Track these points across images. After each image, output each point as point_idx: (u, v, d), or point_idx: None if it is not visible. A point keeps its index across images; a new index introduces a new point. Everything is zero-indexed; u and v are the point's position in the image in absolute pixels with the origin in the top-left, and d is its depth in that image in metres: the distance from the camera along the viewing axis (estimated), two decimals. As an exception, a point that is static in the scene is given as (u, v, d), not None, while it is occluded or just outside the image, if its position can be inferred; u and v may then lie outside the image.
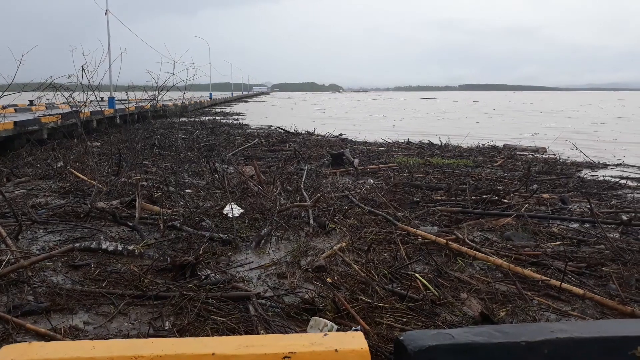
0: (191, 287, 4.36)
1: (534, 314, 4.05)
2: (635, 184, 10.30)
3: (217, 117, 31.86)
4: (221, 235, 5.83)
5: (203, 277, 4.64)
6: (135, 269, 4.82)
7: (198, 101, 46.95)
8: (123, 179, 8.72)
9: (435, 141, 16.57)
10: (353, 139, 18.14)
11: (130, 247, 5.40)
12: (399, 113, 44.25)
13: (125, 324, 3.90)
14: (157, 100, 12.12)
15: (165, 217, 6.38)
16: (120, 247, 5.39)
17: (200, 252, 5.21)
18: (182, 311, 3.97)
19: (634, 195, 9.02)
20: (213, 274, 4.75)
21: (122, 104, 23.52)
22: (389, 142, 16.74)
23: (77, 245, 5.45)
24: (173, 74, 10.93)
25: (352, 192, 8.36)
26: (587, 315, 4.11)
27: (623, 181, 10.25)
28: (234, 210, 6.62)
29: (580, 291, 4.43)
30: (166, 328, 3.76)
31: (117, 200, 7.35)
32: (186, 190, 8.16)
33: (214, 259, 5.22)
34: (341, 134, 19.45)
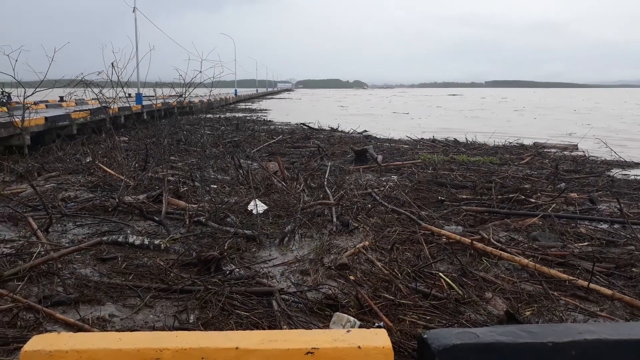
0: (216, 282, 4.41)
1: (561, 314, 3.98)
2: (667, 183, 10.00)
3: (242, 114, 32.09)
4: (245, 232, 5.87)
5: (227, 272, 4.68)
6: (161, 263, 4.89)
7: (223, 98, 47.30)
8: (150, 174, 8.86)
9: (461, 139, 16.39)
10: (377, 136, 18.06)
11: (157, 242, 5.48)
12: (425, 110, 43.84)
13: (151, 316, 3.97)
14: (185, 97, 12.27)
15: (191, 213, 6.46)
16: (146, 241, 5.48)
17: (225, 247, 5.26)
18: (207, 305, 4.02)
19: (666, 196, 8.76)
20: (237, 269, 4.80)
21: (150, 100, 23.89)
22: (414, 140, 16.61)
23: (104, 238, 5.57)
24: (200, 72, 11.06)
25: (376, 189, 8.32)
26: (616, 316, 4.02)
27: (655, 181, 9.97)
28: (258, 206, 6.66)
29: (609, 292, 4.34)
30: (191, 321, 3.81)
31: (144, 195, 7.47)
32: (211, 186, 8.25)
33: (238, 255, 5.27)
34: (365, 131, 19.38)
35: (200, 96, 32.05)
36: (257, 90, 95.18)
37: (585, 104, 59.62)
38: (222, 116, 27.80)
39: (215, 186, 8.33)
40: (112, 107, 13.32)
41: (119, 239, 5.54)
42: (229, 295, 4.11)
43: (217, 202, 7.00)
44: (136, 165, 9.85)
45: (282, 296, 4.16)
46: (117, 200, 6.95)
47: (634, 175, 10.88)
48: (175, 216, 6.64)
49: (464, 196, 8.13)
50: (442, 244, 5.59)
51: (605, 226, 6.60)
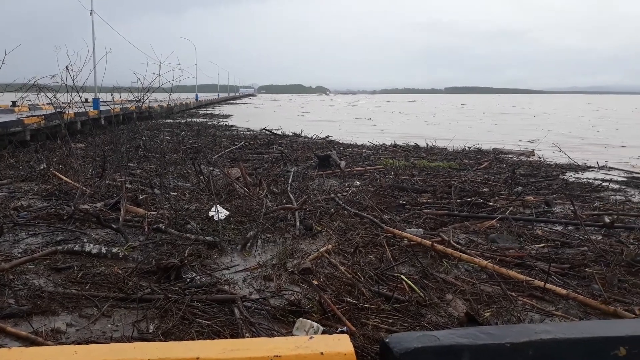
0: (176, 290, 4.32)
1: (519, 315, 4.08)
2: (617, 186, 10.44)
3: (203, 119, 31.70)
4: (207, 238, 5.79)
5: (188, 279, 4.60)
6: (120, 272, 4.76)
7: (184, 103, 46.67)
8: (107, 181, 8.63)
9: (422, 144, 16.66)
10: (340, 142, 18.16)
11: (115, 250, 5.34)
12: (387, 116, 44.37)
13: (109, 326, 3.85)
14: (143, 102, 12.02)
15: (150, 220, 6.32)
16: (104, 250, 5.33)
17: (185, 254, 5.18)
18: (167, 314, 3.94)
19: (616, 198, 9.14)
20: (198, 277, 4.72)
21: (107, 105, 23.29)
22: (376, 145, 16.78)
23: (59, 247, 5.38)
24: (159, 75, 10.85)
25: (339, 194, 8.36)
26: (570, 315, 4.15)
27: (606, 183, 10.38)
28: (219, 212, 6.58)
29: (564, 291, 4.48)
30: (150, 331, 3.72)
31: (101, 203, 7.28)
32: (171, 193, 8.10)
33: (199, 262, 5.18)
34: (328, 136, 19.46)
35: (160, 101, 31.52)
36: (218, 95, 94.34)
37: (542, 109, 61.66)
38: (183, 121, 27.40)
39: (175, 193, 8.19)
40: (67, 112, 12.91)
41: (75, 248, 5.37)
42: (189, 304, 4.03)
43: (177, 209, 6.88)
44: (93, 172, 9.58)
45: (245, 303, 4.11)
46: (72, 208, 6.73)
47: (587, 178, 11.31)
48: (134, 224, 6.48)
49: (425, 200, 8.26)
50: (404, 247, 5.65)
51: (560, 228, 6.81)
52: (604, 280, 4.75)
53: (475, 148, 16.25)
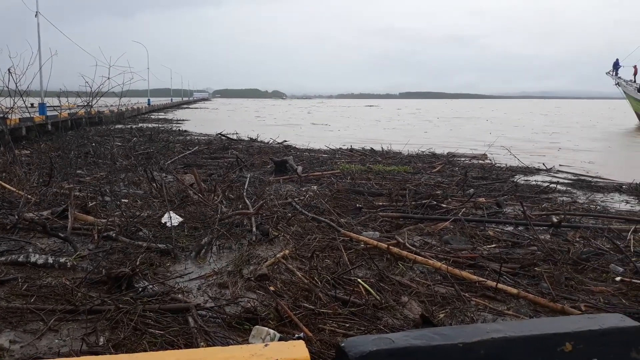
0: (127, 300, 4.19)
1: (472, 315, 4.16)
2: (564, 188, 10.87)
3: (155, 124, 31.03)
4: (159, 245, 5.64)
5: (140, 289, 4.47)
6: (67, 283, 4.58)
7: (135, 107, 45.60)
8: (55, 189, 8.30)
9: (377, 148, 16.85)
10: (297, 146, 18.15)
11: (62, 260, 5.13)
12: (344, 121, 44.71)
13: (56, 341, 3.69)
14: (91, 106, 11.65)
15: (99, 228, 6.12)
16: (50, 260, 5.11)
17: (137, 263, 5.03)
18: (118, 325, 3.81)
19: (563, 199, 9.51)
20: (151, 286, 4.59)
21: (55, 110, 22.45)
22: (333, 149, 16.86)
23: (2, 259, 5.13)
24: (108, 78, 10.55)
25: (296, 199, 8.34)
26: (521, 313, 4.27)
27: (553, 185, 10.78)
28: (172, 219, 6.43)
29: (515, 291, 4.61)
30: (100, 343, 3.58)
31: (48, 211, 6.98)
32: (122, 200, 7.86)
33: (151, 270, 5.04)
34: (285, 141, 19.42)
35: (110, 105, 30.66)
36: (172, 99, 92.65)
37: (494, 114, 63.58)
38: (135, 127, 26.74)
39: (126, 200, 7.96)
40: (10, 117, 12.35)
41: (19, 259, 5.13)
42: (141, 314, 3.91)
43: (129, 216, 6.68)
44: (39, 180, 9.19)
45: (199, 312, 4.03)
46: (16, 217, 6.43)
47: (536, 180, 11.72)
48: (83, 232, 6.26)
49: (381, 203, 8.35)
50: (360, 250, 5.68)
51: (510, 228, 7.02)
52: (552, 279, 4.91)
53: (429, 152, 16.57)
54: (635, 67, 44.09)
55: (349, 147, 17.17)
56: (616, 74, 45.17)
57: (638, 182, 11.15)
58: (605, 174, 13.23)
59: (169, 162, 12.58)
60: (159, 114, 52.04)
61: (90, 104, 11.19)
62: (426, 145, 18.24)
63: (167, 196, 7.68)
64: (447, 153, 16.69)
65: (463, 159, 15.37)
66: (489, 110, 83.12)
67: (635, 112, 44.20)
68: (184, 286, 4.71)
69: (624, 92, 45.05)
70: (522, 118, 53.23)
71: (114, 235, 6.01)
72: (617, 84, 45.29)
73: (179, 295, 4.44)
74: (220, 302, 4.30)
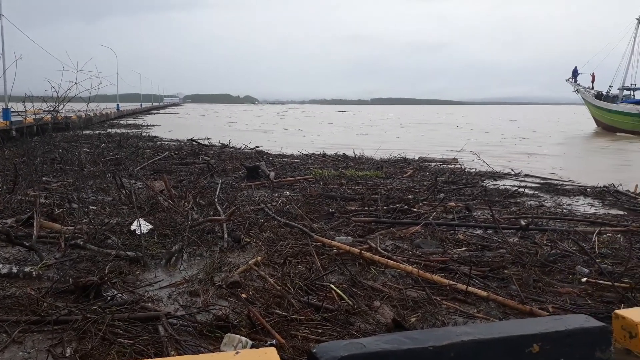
0: (95, 310, 4.10)
1: (443, 318, 4.21)
2: (532, 192, 11.11)
3: (125, 130, 30.54)
4: (128, 253, 5.54)
5: (109, 298, 4.37)
6: (33, 292, 4.45)
7: (104, 113, 44.82)
8: (19, 197, 8.07)
9: (350, 154, 16.94)
10: (269, 152, 18.10)
11: (27, 269, 4.98)
12: (316, 126, 44.82)
13: (20, 353, 3.58)
14: (58, 112, 11.39)
15: (66, 235, 5.97)
16: (15, 269, 4.96)
17: (106, 271, 4.92)
18: (86, 335, 3.72)
19: (530, 202, 9.72)
20: (120, 295, 4.50)
21: (20, 115, 21.87)
22: (305, 155, 16.88)
23: (-37, 269, 4.94)
24: (75, 83, 10.32)
25: (268, 204, 8.30)
26: (491, 316, 4.34)
27: (521, 189, 11.02)
28: (142, 226, 6.32)
29: (485, 293, 4.68)
30: (67, 355, 3.50)
31: (12, 219, 6.78)
32: (90, 207, 7.70)
33: (120, 279, 4.94)
34: (257, 147, 19.34)
35: (78, 111, 30.04)
36: (141, 104, 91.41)
37: (465, 120, 64.75)
38: (103, 132, 26.25)
39: (94, 207, 7.79)
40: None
41: (-19, 269, 4.95)
42: (110, 323, 3.83)
43: (97, 224, 6.55)
44: (3, 187, 8.92)
45: (170, 320, 3.96)
46: (-22, 226, 6.22)
47: (504, 184, 11.95)
48: (50, 240, 6.10)
49: (353, 208, 8.39)
50: (333, 255, 5.69)
51: (480, 232, 7.14)
52: (520, 281, 5.01)
53: (401, 157, 16.74)
54: (592, 74, 46.28)
55: (322, 153, 17.21)
56: (575, 81, 47.19)
57: (602, 186, 11.48)
58: (572, 178, 13.61)
59: (138, 168, 12.37)
60: (128, 119, 51.28)
61: (56, 109, 10.93)
62: (398, 150, 18.42)
63: (137, 203, 7.55)
64: (419, 158, 16.88)
65: (434, 164, 15.57)
66: (459, 115, 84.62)
67: (593, 117, 46.27)
68: (154, 294, 4.63)
69: (583, 98, 47.14)
70: (491, 124, 54.40)
71: (81, 243, 5.87)
72: (576, 90, 47.37)
73: (149, 304, 4.36)
74: (191, 310, 4.24)
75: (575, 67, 47.28)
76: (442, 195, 9.63)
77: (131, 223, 6.60)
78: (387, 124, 51.15)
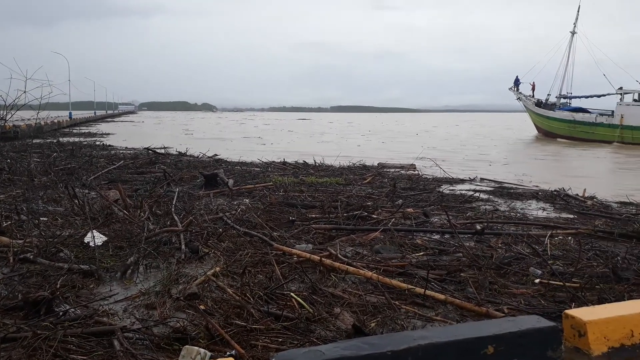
0: (46, 326, 3.95)
1: (402, 322, 4.25)
2: (487, 196, 11.41)
3: (78, 138, 29.65)
4: (82, 267, 5.37)
5: (61, 313, 4.21)
6: (-23, 311, 4.23)
7: (56, 121, 43.42)
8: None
9: (310, 161, 16.97)
10: (228, 160, 17.94)
11: (-29, 286, 4.74)
12: (277, 134, 44.72)
13: (-37, 375, 3.40)
14: (6, 121, 10.94)
15: (15, 249, 5.72)
16: (-43, 287, 4.71)
17: (58, 285, 4.75)
18: (36, 353, 3.58)
19: (485, 207, 9.97)
20: (72, 309, 4.34)
21: (-37, 124, 20.87)
22: (265, 163, 16.81)
23: None
24: (24, 92, 9.92)
25: (227, 213, 8.20)
26: (449, 318, 4.41)
27: (477, 194, 11.30)
28: (96, 238, 6.13)
29: (442, 297, 4.76)
30: (15, 374, 3.34)
31: (-45, 233, 6.45)
32: (41, 219, 7.41)
33: (73, 293, 4.78)
34: (215, 155, 19.13)
35: (28, 119, 29.00)
36: (95, 112, 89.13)
37: (423, 127, 66.07)
38: (55, 141, 25.40)
39: (45, 219, 7.51)
40: None
41: None
42: (62, 339, 3.69)
43: (48, 236, 6.31)
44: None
45: (126, 334, 3.86)
46: None
47: (460, 190, 12.23)
48: (-4, 255, 5.83)
49: (314, 215, 8.39)
50: (293, 263, 5.66)
51: (437, 236, 7.27)
52: (477, 284, 5.12)
53: (360, 164, 16.90)
54: (533, 83, 49.29)
55: (282, 161, 17.18)
56: (517, 89, 49.87)
57: (552, 190, 11.91)
58: (523, 182, 14.07)
59: (92, 177, 12.02)
60: (82, 127, 49.87)
61: (4, 117, 10.50)
62: (358, 158, 18.57)
63: (90, 214, 7.33)
64: (378, 164, 17.08)
65: (392, 170, 15.78)
66: (418, 123, 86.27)
67: (534, 124, 49.07)
68: (109, 308, 4.50)
69: (525, 106, 50.00)
70: (450, 131, 55.77)
71: (31, 257, 5.65)
72: (519, 98, 50.21)
73: (104, 318, 4.23)
74: (148, 323, 4.14)
75: (517, 77, 49.86)
76: (400, 201, 9.76)
77: (84, 235, 6.40)
78: (348, 132, 51.60)
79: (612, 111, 41.95)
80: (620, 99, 42.16)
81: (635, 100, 41.50)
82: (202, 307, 4.30)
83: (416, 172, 15.60)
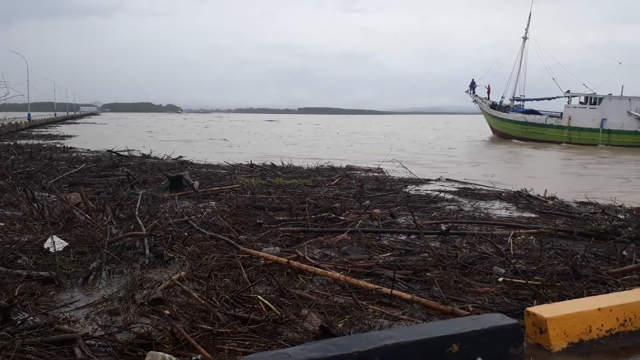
0: (4, 335, 3.80)
1: (369, 322, 4.28)
2: (451, 196, 11.60)
3: (37, 141, 28.77)
4: (41, 273, 5.20)
5: (19, 322, 4.06)
6: None
7: (13, 123, 42.04)
8: None
9: (278, 163, 16.91)
10: (193, 162, 17.71)
11: None
12: (244, 136, 44.39)
13: None
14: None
15: (-31, 257, 5.49)
16: None
17: (15, 293, 4.58)
18: (-8, 364, 3.43)
19: (450, 207, 10.14)
20: (31, 318, 4.20)
21: None
22: (232, 165, 16.66)
23: None
24: (-22, 93, 9.56)
25: (193, 217, 8.08)
26: (415, 317, 4.46)
27: (442, 195, 11.47)
28: (56, 243, 5.95)
29: (409, 296, 4.81)
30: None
31: None
32: (-3, 224, 7.15)
33: (32, 301, 4.62)
34: (180, 157, 18.86)
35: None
36: (55, 114, 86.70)
37: (391, 129, 66.79)
38: (12, 143, 24.56)
39: (2, 224, 7.24)
40: None
41: None
42: (20, 349, 3.58)
43: (5, 242, 6.09)
44: None
45: (88, 341, 3.76)
46: None
47: (425, 190, 12.40)
48: (-51, 262, 5.58)
49: (281, 218, 8.36)
50: (260, 266, 5.63)
51: (404, 237, 7.34)
52: (442, 283, 5.20)
53: (328, 165, 16.94)
54: (488, 86, 51.55)
55: (249, 163, 17.07)
56: (473, 92, 51.83)
57: (515, 190, 12.20)
58: (487, 182, 14.37)
59: (52, 181, 11.66)
60: (41, 129, 48.42)
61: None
62: (326, 159, 18.61)
63: (50, 218, 7.11)
64: (346, 166, 17.16)
65: (359, 172, 15.88)
66: (386, 125, 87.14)
67: (490, 126, 51.24)
68: (70, 316, 4.37)
69: (480, 108, 52.11)
70: (418, 133, 56.63)
71: (-14, 264, 5.43)
72: (475, 101, 52.24)
73: (65, 326, 4.12)
74: (111, 330, 4.03)
75: (473, 80, 51.76)
76: (367, 202, 9.83)
77: (44, 240, 6.20)
78: (317, 134, 51.70)
79: (561, 113, 44.25)
80: (568, 102, 44.52)
81: (581, 102, 43.92)
82: (167, 312, 4.22)
83: (383, 173, 15.74)
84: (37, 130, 46.75)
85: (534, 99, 48.43)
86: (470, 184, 13.99)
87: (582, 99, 44.11)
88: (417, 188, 12.88)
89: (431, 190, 12.43)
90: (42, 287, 4.97)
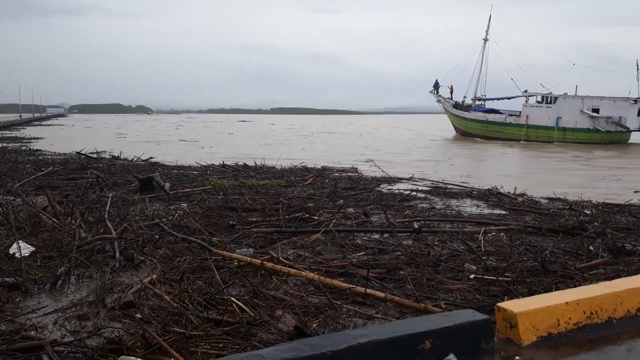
0: (-34, 345, 3.67)
1: (344, 321, 4.28)
2: (423, 195, 11.73)
3: (2, 143, 27.96)
4: (6, 279, 5.04)
5: (-18, 330, 3.94)
6: None
7: (-24, 125, 40.77)
8: None
9: (251, 164, 16.82)
10: (164, 163, 17.47)
11: None
12: (216, 137, 43.98)
13: None
14: None
15: None
16: None
17: (-21, 301, 4.43)
18: (-47, 375, 3.31)
19: (423, 205, 10.24)
20: (-4, 325, 4.07)
21: None
22: (204, 166, 16.49)
23: None
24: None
25: (164, 219, 7.96)
26: (389, 315, 4.48)
27: (414, 193, 11.59)
28: (22, 249, 5.78)
29: (382, 294, 4.84)
30: None
31: None
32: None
33: (-3, 308, 4.47)
34: (151, 158, 18.58)
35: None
36: (20, 116, 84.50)
37: (365, 129, 67.16)
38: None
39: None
40: None
41: None
42: (-16, 358, 3.45)
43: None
44: None
45: (56, 348, 3.66)
46: None
47: (398, 188, 12.50)
48: None
49: (255, 219, 8.31)
50: (233, 268, 5.58)
51: (377, 236, 7.38)
52: (415, 281, 5.24)
53: (302, 166, 16.92)
54: (451, 86, 53.16)
55: (222, 163, 16.92)
56: (437, 92, 53.35)
57: (486, 188, 12.41)
58: (457, 180, 14.58)
59: (17, 184, 11.34)
60: (5, 131, 47.12)
61: None
62: (300, 160, 18.58)
63: (16, 222, 6.91)
64: (321, 167, 17.17)
65: (334, 172, 15.92)
66: (360, 125, 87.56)
67: (453, 125, 52.83)
68: (38, 322, 4.26)
69: (444, 107, 53.68)
70: (391, 132, 57.17)
71: (-52, 271, 5.25)
72: (438, 100, 53.80)
73: (32, 332, 4.00)
74: (81, 335, 3.94)
75: (437, 80, 53.12)
76: (341, 201, 9.85)
77: (9, 246, 6.02)
78: (290, 134, 51.59)
79: (520, 112, 45.85)
80: (526, 101, 46.15)
81: (538, 102, 45.58)
82: (138, 315, 4.15)
83: (357, 173, 15.82)
84: (1, 132, 45.46)
85: (494, 99, 50.12)
86: (442, 183, 14.17)
87: (539, 98, 45.86)
88: (389, 187, 12.97)
89: (404, 189, 12.53)
90: (8, 294, 4.83)
